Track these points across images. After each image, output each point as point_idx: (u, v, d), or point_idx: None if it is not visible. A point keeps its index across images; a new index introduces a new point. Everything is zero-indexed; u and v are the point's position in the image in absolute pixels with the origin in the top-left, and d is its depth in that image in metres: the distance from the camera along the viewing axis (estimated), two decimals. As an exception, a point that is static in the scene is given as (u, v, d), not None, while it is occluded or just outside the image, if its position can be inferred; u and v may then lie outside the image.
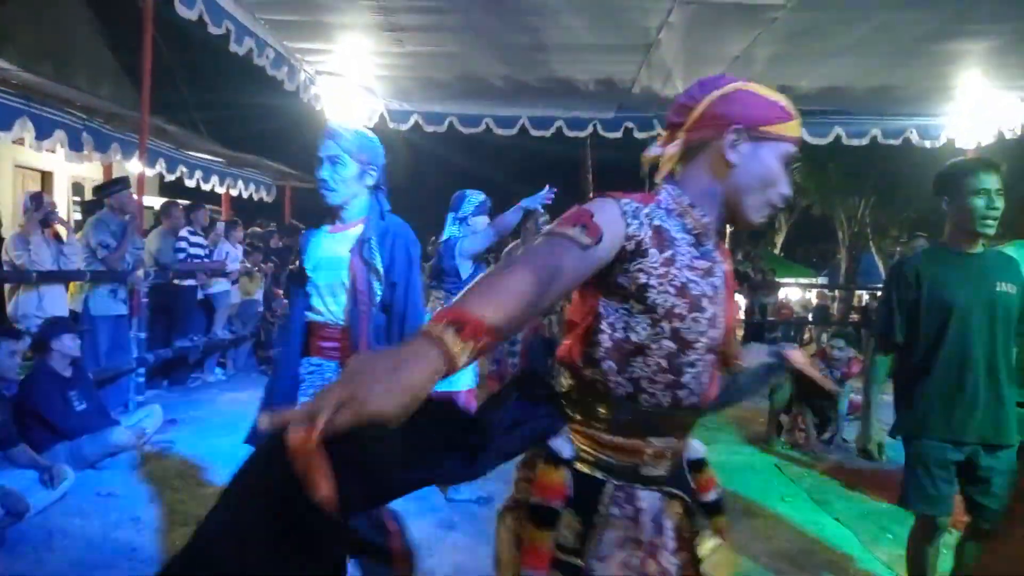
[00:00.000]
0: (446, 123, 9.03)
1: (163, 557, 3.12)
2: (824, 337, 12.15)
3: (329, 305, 2.38)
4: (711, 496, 1.40)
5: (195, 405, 5.95)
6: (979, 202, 2.40)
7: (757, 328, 11.39)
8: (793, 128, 1.32)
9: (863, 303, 12.41)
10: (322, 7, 5.92)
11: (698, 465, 1.41)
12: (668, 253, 1.23)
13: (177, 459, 4.44)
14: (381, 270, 2.31)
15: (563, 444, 1.26)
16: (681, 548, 1.30)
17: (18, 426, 3.90)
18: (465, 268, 4.02)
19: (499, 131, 8.86)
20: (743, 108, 1.28)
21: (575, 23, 5.69)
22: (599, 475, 1.27)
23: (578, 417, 1.28)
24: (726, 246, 1.37)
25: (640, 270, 1.21)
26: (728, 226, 1.36)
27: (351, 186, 2.38)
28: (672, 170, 1.33)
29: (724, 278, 1.32)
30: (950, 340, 2.46)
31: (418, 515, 3.70)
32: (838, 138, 8.64)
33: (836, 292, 18.00)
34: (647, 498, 1.28)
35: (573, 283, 1.16)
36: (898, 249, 16.34)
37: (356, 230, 2.41)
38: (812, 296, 18.77)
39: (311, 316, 2.40)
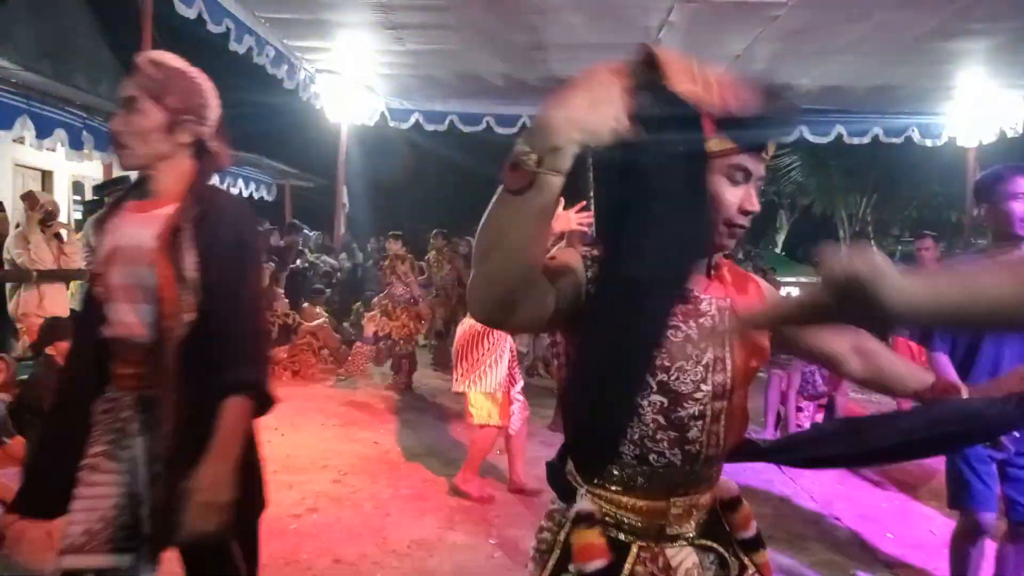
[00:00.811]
0: (447, 122, 9.03)
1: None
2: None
3: (125, 315, 1.65)
4: (750, 533, 1.33)
5: (195, 404, 5.95)
6: (1017, 205, 2.43)
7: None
8: (718, 144, 1.10)
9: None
10: (322, 5, 5.91)
11: (732, 505, 1.33)
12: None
13: (177, 458, 4.44)
14: (191, 268, 1.60)
15: (589, 505, 1.20)
16: None
17: (17, 424, 3.90)
18: None
19: (500, 130, 8.85)
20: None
21: (576, 22, 5.68)
22: (622, 536, 1.20)
23: (594, 479, 1.21)
24: (723, 275, 1.25)
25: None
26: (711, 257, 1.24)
27: (153, 143, 1.66)
28: None
29: (724, 314, 1.20)
30: (987, 341, 2.49)
31: (418, 515, 3.70)
32: (839, 137, 8.64)
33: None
34: (677, 555, 1.22)
35: (565, 289, 1.10)
36: (899, 248, 16.33)
37: (166, 210, 1.65)
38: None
39: (107, 331, 1.68)
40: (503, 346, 4.04)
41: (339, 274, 10.33)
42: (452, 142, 11.84)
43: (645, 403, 1.14)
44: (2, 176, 9.16)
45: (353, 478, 4.24)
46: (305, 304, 8.10)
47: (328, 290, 9.57)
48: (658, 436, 1.15)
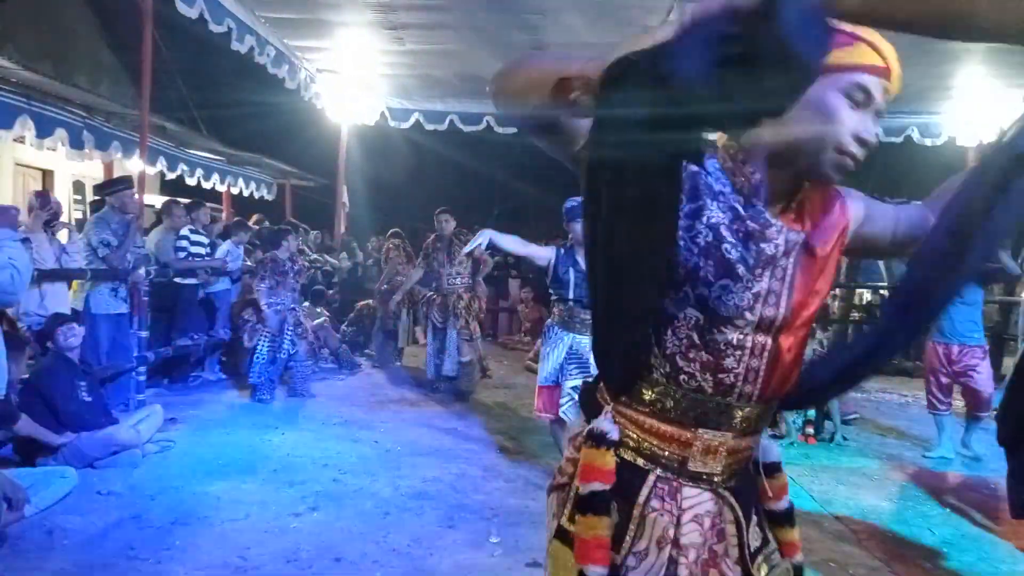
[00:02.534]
0: (447, 121, 9.04)
1: (163, 556, 3.13)
2: (823, 336, 12.14)
3: None
4: (781, 505, 1.26)
5: (196, 404, 5.95)
6: None
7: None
8: (857, 53, 1.02)
9: (864, 301, 12.37)
10: (323, 5, 5.92)
11: (771, 469, 1.24)
12: (695, 204, 1.06)
13: (177, 458, 4.45)
14: None
15: (608, 425, 1.13)
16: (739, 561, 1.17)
17: (28, 412, 3.96)
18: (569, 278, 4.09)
19: (500, 129, 8.86)
20: None
21: (576, 21, 5.69)
22: (641, 462, 1.13)
23: (621, 397, 1.14)
24: (812, 209, 1.13)
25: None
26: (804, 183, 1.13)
27: None
28: None
29: (791, 247, 1.09)
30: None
31: (418, 514, 3.71)
32: (839, 136, 8.63)
33: (837, 291, 17.97)
34: (695, 497, 1.14)
35: None
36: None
37: None
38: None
39: None
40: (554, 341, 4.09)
41: (339, 274, 10.34)
42: (452, 142, 11.84)
43: (680, 315, 1.07)
44: (2, 176, 9.16)
45: (353, 477, 4.24)
46: (306, 304, 8.10)
47: (329, 290, 9.58)
48: (690, 355, 1.08)
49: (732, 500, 1.17)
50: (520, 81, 1.02)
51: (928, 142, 8.88)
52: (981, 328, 5.11)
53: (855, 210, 1.20)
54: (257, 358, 6.14)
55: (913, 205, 1.27)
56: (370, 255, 10.85)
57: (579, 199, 4.54)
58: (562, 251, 4.14)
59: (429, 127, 9.22)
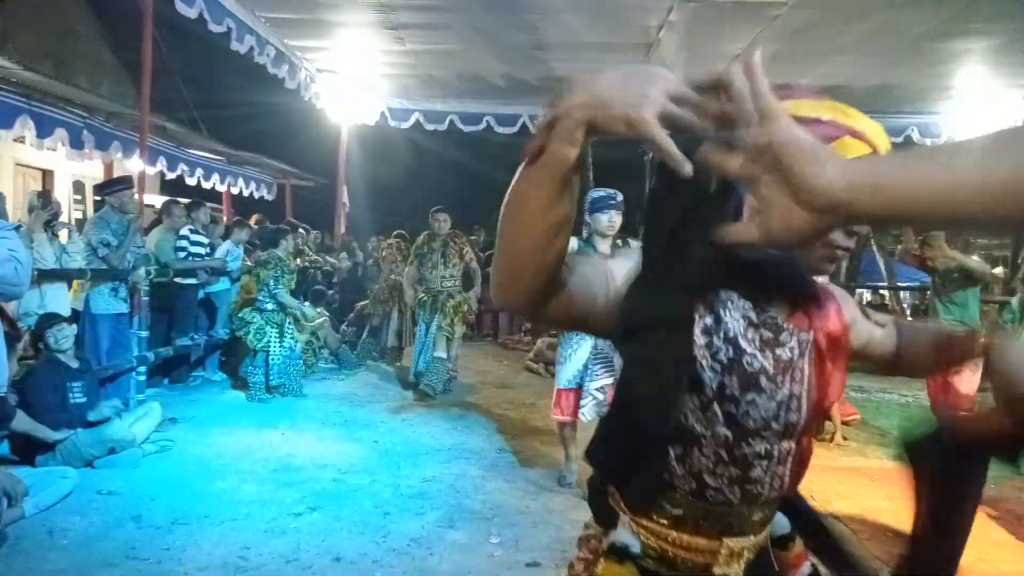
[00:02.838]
0: (447, 121, 9.04)
1: (164, 556, 3.13)
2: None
3: None
4: (802, 573, 1.23)
5: (196, 404, 5.95)
6: None
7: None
8: (842, 148, 0.97)
9: (864, 301, 12.38)
10: (323, 5, 5.92)
11: (783, 542, 1.22)
12: (710, 319, 1.03)
13: (177, 458, 4.45)
14: None
15: (630, 538, 1.11)
16: None
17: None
18: None
19: (500, 129, 8.87)
20: None
21: (576, 22, 5.69)
22: (664, 571, 1.11)
23: (641, 510, 1.11)
24: (812, 308, 1.13)
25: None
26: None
27: None
28: None
29: (804, 348, 1.09)
30: None
31: (418, 514, 3.71)
32: (839, 136, 8.63)
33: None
34: None
35: (601, 295, 1.01)
36: (899, 247, 16.32)
37: None
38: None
39: None
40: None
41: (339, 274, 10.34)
42: (452, 142, 11.86)
43: (709, 433, 1.04)
44: (2, 175, 9.16)
45: (353, 477, 4.24)
46: (306, 304, 8.10)
47: (329, 290, 9.58)
48: (718, 471, 1.06)
49: None
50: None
51: (928, 142, 8.88)
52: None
53: (850, 312, 1.22)
54: (273, 359, 6.21)
55: (884, 329, 1.31)
56: (370, 255, 10.86)
57: (603, 191, 4.39)
58: (581, 242, 4.02)
59: (429, 127, 9.22)
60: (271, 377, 6.17)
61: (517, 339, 10.46)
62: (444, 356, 6.33)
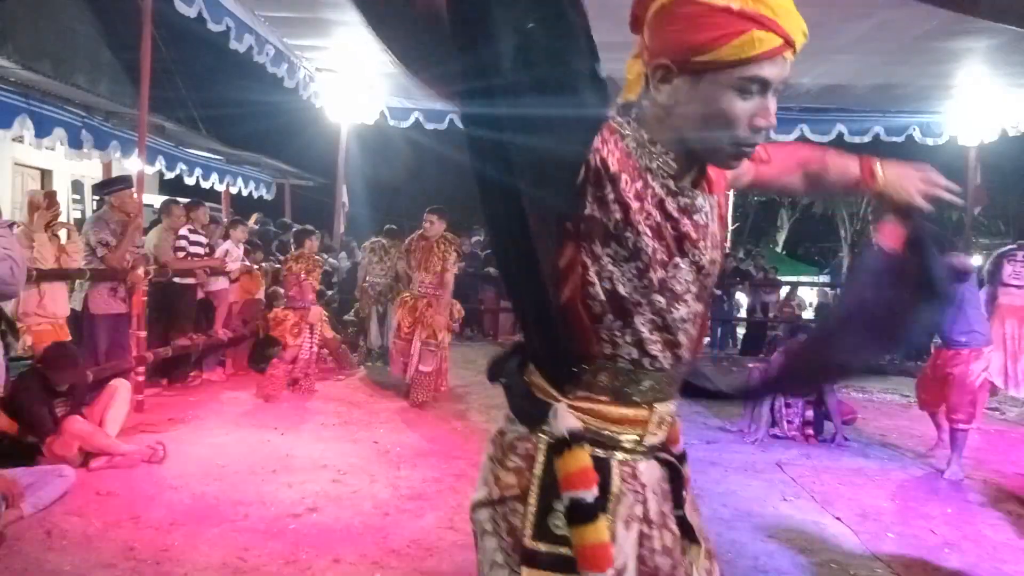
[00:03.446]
0: (447, 120, 9.01)
1: (162, 557, 3.12)
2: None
3: None
4: (679, 448, 1.25)
5: (195, 404, 5.94)
6: None
7: (759, 326, 11.38)
8: (748, 44, 0.93)
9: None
10: (321, 4, 5.90)
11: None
12: (639, 184, 1.03)
13: (176, 458, 4.43)
14: None
15: (574, 421, 1.07)
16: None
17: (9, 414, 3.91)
18: None
19: (500, 129, 8.82)
20: (672, 32, 0.96)
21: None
22: (600, 452, 1.09)
23: (578, 391, 1.09)
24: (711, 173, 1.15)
25: (615, 200, 1.01)
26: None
27: None
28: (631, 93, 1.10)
29: (713, 212, 1.12)
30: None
31: (418, 515, 3.70)
32: (840, 136, 8.64)
33: (839, 290, 17.97)
34: (649, 470, 1.14)
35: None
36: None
37: None
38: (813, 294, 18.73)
39: None
40: None
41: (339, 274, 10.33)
42: (452, 141, 11.83)
43: (645, 301, 1.05)
44: (1, 175, 9.16)
45: (352, 478, 4.23)
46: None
47: (329, 290, 9.56)
48: (654, 337, 1.07)
49: (669, 458, 1.19)
50: None
51: (930, 141, 8.87)
52: (963, 332, 4.72)
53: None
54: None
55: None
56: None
57: None
58: None
59: (429, 126, 9.20)
60: None
61: (517, 339, 10.44)
62: (430, 370, 6.12)
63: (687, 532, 1.19)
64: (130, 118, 8.06)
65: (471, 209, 15.85)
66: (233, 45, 5.97)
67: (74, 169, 10.27)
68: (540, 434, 1.09)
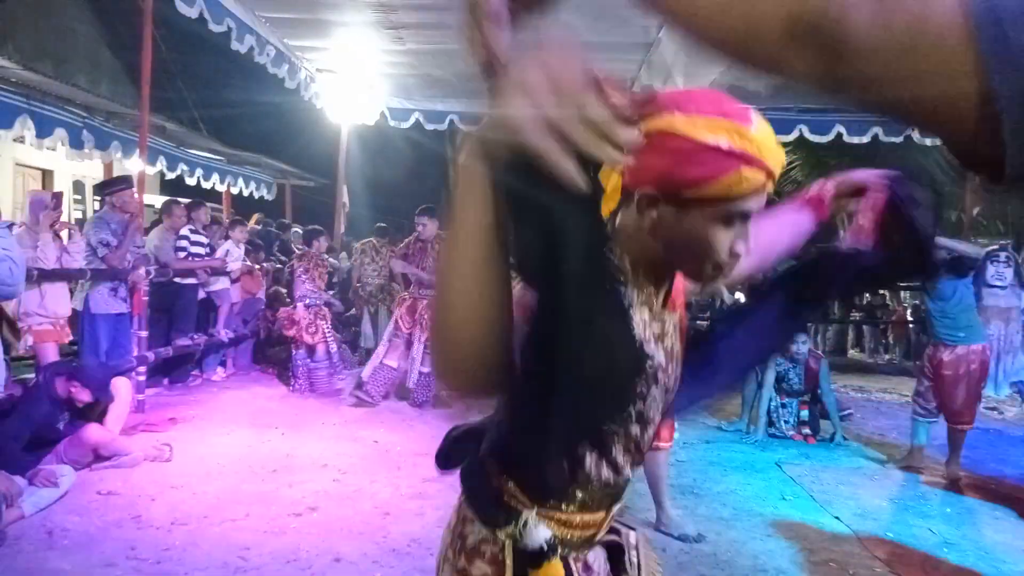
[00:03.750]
0: (447, 121, 9.03)
1: (163, 556, 3.13)
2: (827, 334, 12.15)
3: None
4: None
5: (196, 404, 5.95)
6: None
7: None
8: (736, 183, 0.92)
9: (865, 301, 12.37)
10: (322, 5, 5.92)
11: None
12: (626, 316, 1.04)
13: (178, 458, 4.44)
14: None
15: (543, 531, 1.09)
16: None
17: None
18: None
19: (500, 129, 8.83)
20: (661, 165, 0.94)
21: (575, 21, 5.68)
22: (562, 553, 1.13)
23: (550, 501, 1.10)
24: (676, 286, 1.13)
25: None
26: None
27: None
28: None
29: (677, 330, 1.11)
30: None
31: (418, 514, 3.71)
32: (839, 136, 8.64)
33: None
34: (595, 559, 1.20)
35: None
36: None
37: None
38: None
39: None
40: None
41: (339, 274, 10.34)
42: (452, 141, 11.84)
43: (623, 431, 1.08)
44: (2, 175, 9.17)
45: (353, 477, 4.24)
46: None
47: (329, 290, 9.57)
48: (626, 458, 1.11)
49: (611, 539, 1.22)
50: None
51: (928, 141, 8.88)
52: (959, 328, 4.69)
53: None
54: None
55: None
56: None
57: None
58: None
59: (429, 127, 9.22)
60: None
61: (517, 339, 10.46)
62: (429, 371, 6.09)
63: None
64: (131, 118, 8.08)
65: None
66: (234, 46, 5.98)
67: (75, 169, 10.28)
68: (504, 539, 1.09)
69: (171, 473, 4.17)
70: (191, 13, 5.21)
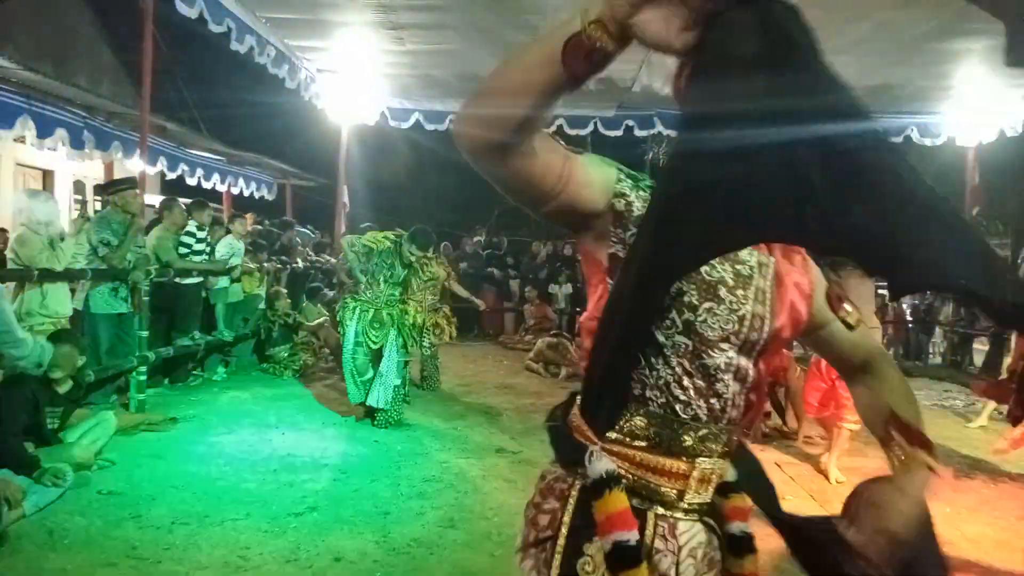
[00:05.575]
0: (447, 121, 9.03)
1: (164, 555, 3.13)
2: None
3: None
4: (735, 528, 1.15)
5: (196, 403, 5.96)
6: None
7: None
8: None
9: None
10: (323, 5, 5.92)
11: (726, 488, 1.15)
12: None
13: (177, 458, 4.45)
14: None
15: (609, 464, 1.06)
16: None
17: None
18: None
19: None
20: None
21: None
22: (636, 502, 1.07)
23: (613, 435, 1.08)
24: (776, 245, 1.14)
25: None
26: None
27: None
28: None
29: (764, 270, 1.11)
30: None
31: (418, 514, 3.71)
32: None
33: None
34: (689, 531, 1.11)
35: (578, 177, 1.02)
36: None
37: None
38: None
39: None
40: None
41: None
42: (452, 142, 11.84)
43: (670, 343, 1.05)
44: (3, 176, 9.17)
45: (353, 477, 4.25)
46: (306, 303, 8.12)
47: (329, 291, 9.58)
48: (684, 382, 1.06)
49: (716, 526, 1.14)
50: (511, 78, 0.94)
51: (928, 142, 8.88)
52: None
53: (815, 273, 1.19)
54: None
55: (852, 335, 1.23)
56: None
57: None
58: None
59: (429, 127, 9.22)
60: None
61: (517, 339, 10.47)
62: (400, 381, 5.70)
63: None
64: (132, 119, 8.08)
65: (471, 209, 15.87)
66: (234, 46, 5.98)
67: (76, 170, 10.29)
68: (575, 476, 1.10)
69: (171, 473, 4.17)
70: (191, 13, 5.22)
